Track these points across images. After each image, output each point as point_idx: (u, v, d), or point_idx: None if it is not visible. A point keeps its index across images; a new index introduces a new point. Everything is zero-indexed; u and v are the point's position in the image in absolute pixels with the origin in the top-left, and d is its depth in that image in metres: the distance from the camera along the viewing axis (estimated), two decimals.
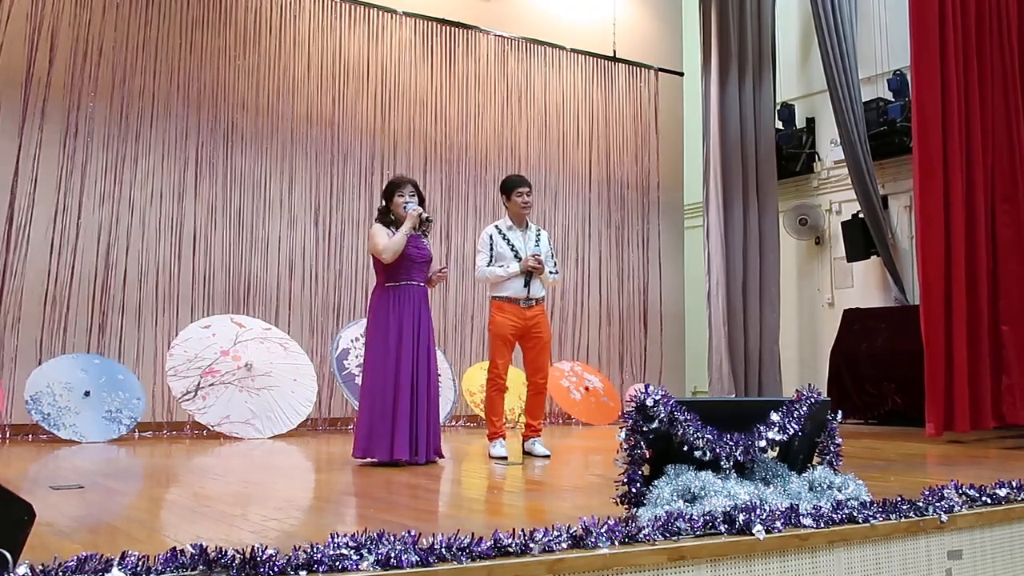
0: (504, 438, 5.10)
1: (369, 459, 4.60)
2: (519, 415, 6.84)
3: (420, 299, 4.79)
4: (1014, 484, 3.12)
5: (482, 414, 6.89)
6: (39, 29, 6.71)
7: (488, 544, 2.08)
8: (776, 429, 2.70)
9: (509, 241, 5.18)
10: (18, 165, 6.56)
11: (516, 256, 5.13)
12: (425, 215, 4.80)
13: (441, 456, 4.77)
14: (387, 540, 2.02)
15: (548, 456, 5.10)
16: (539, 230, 5.37)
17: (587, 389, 8.42)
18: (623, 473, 2.60)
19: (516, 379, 6.64)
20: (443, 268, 5.05)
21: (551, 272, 5.24)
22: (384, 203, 4.92)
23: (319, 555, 1.92)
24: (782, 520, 2.47)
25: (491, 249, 5.17)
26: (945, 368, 5.90)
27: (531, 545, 2.12)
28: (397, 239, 4.69)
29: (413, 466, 4.56)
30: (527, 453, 5.15)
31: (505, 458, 4.95)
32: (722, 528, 2.39)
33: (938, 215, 6.01)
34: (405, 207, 4.77)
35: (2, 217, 6.48)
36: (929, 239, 5.98)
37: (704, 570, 2.32)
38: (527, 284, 5.10)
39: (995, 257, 6.28)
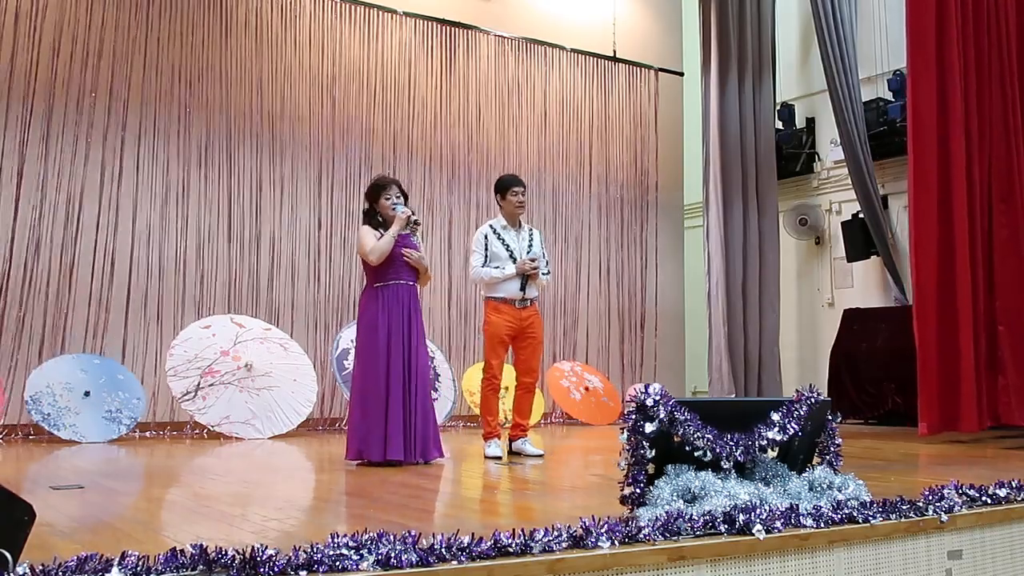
0: (499, 438, 5.11)
1: (362, 460, 4.59)
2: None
3: (410, 298, 4.76)
4: (1014, 484, 3.12)
5: None
6: (41, 28, 6.71)
7: (488, 544, 2.08)
8: (776, 429, 2.70)
9: (504, 241, 5.18)
10: (21, 166, 6.57)
11: (511, 256, 5.13)
12: (414, 217, 4.78)
13: (442, 455, 4.76)
14: (387, 540, 2.02)
15: (541, 455, 5.10)
16: (531, 230, 5.38)
17: (587, 389, 8.42)
18: (627, 474, 2.60)
19: None
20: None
21: (543, 273, 5.25)
22: (368, 204, 4.89)
23: (319, 555, 1.92)
24: (782, 520, 2.46)
25: (486, 249, 5.17)
26: (939, 368, 5.89)
27: (531, 545, 2.12)
28: (385, 241, 4.67)
29: (411, 466, 4.56)
30: (516, 453, 5.15)
31: (500, 458, 4.96)
32: (722, 528, 2.39)
33: (932, 215, 6.00)
34: (393, 208, 4.76)
35: (4, 217, 6.49)
36: (923, 239, 5.97)
37: (704, 570, 2.31)
38: (523, 286, 5.11)
39: (991, 257, 6.28)
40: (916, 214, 6.02)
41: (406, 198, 4.90)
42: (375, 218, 4.83)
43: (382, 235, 4.71)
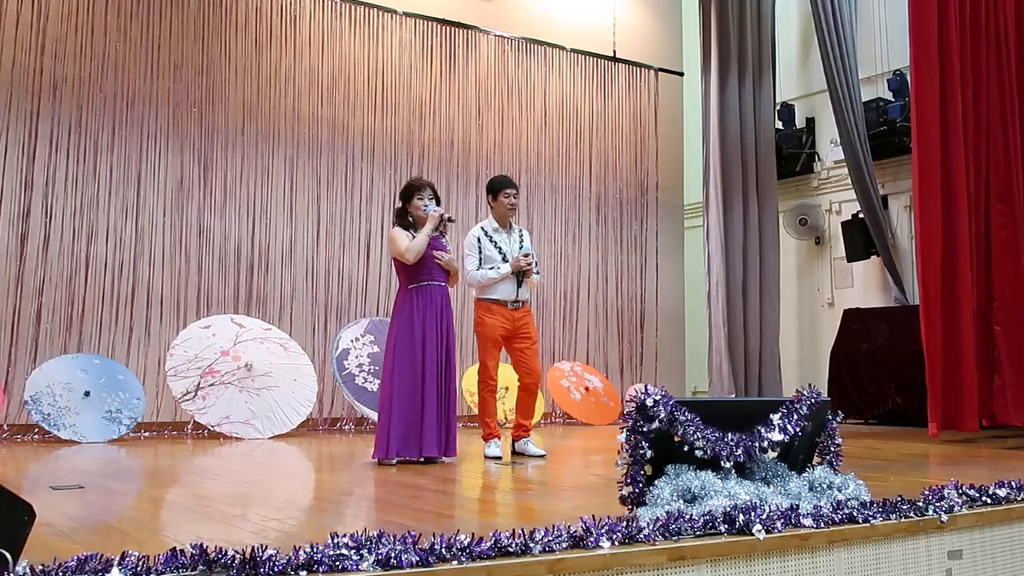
0: (499, 438, 5.11)
1: (397, 459, 4.63)
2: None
3: (443, 299, 4.84)
4: (1014, 484, 3.12)
5: None
6: (44, 31, 6.72)
7: (488, 544, 2.07)
8: (776, 429, 2.70)
9: (496, 243, 5.19)
10: (28, 168, 6.58)
11: (504, 258, 5.14)
12: (447, 215, 4.85)
13: (454, 455, 4.83)
14: (387, 540, 2.01)
15: (543, 455, 5.10)
16: (521, 231, 5.38)
17: (587, 389, 8.42)
18: (626, 474, 2.60)
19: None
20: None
21: (534, 272, 5.25)
22: (401, 204, 4.94)
23: (319, 555, 1.92)
24: (782, 520, 2.46)
25: (479, 252, 5.17)
26: (944, 367, 5.90)
27: (531, 545, 2.12)
28: (419, 240, 4.72)
29: (412, 465, 4.58)
30: (518, 453, 5.15)
31: (500, 458, 4.96)
32: (722, 528, 2.39)
33: (936, 215, 6.02)
34: (425, 209, 4.81)
35: (8, 218, 6.49)
36: (928, 239, 5.98)
37: (704, 570, 2.31)
38: (518, 286, 5.12)
39: (989, 258, 6.30)
40: (921, 214, 6.03)
41: (438, 201, 4.94)
42: (406, 219, 4.89)
43: (414, 236, 4.75)
